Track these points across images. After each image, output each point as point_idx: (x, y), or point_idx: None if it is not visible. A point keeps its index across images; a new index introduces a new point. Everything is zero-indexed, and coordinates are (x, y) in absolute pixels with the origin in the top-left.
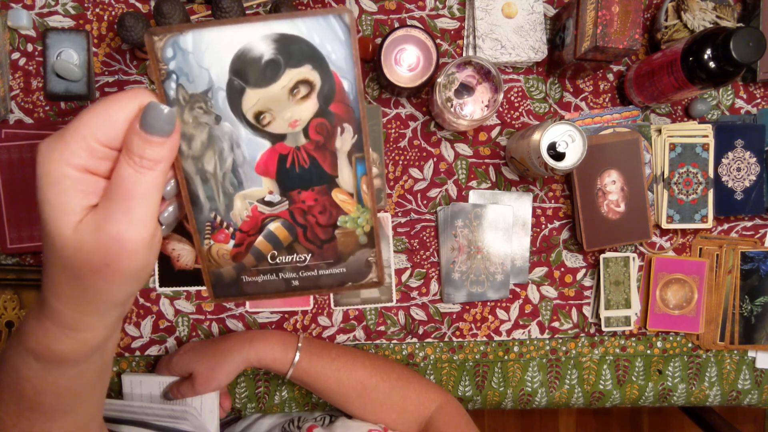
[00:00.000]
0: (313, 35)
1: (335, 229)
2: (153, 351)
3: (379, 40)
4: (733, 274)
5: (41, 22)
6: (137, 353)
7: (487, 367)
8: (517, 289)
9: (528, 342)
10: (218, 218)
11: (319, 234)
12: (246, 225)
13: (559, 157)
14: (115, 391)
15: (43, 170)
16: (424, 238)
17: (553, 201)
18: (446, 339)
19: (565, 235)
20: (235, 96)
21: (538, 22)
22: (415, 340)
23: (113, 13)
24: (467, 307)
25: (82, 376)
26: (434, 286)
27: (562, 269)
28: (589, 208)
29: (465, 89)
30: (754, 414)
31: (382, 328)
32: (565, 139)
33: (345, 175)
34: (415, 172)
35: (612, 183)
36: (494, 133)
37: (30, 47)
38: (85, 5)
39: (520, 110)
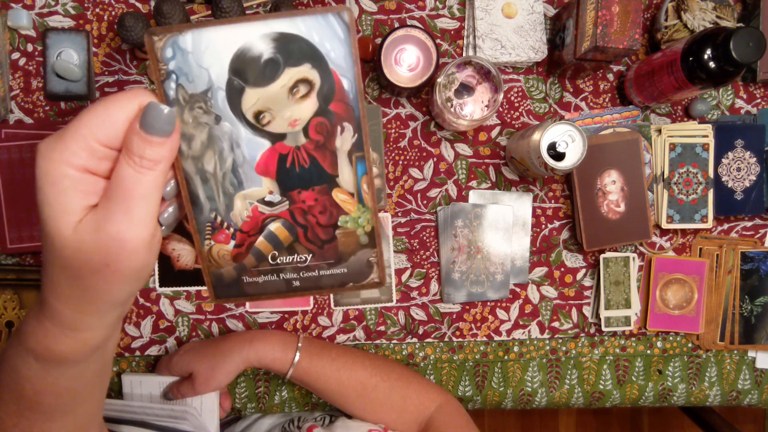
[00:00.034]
0: (312, 34)
1: (336, 229)
2: (153, 351)
3: (379, 40)
4: (733, 274)
5: (41, 22)
6: (137, 353)
7: (487, 367)
8: (517, 289)
9: (528, 342)
10: (218, 218)
11: (320, 234)
12: (246, 225)
13: (559, 157)
14: (115, 391)
15: (43, 170)
16: (424, 238)
17: (553, 201)
18: (446, 339)
19: (565, 235)
20: (234, 95)
21: (538, 22)
22: (415, 340)
23: (113, 13)
24: (467, 307)
25: (81, 376)
26: (434, 286)
27: (562, 269)
28: (589, 208)
29: (465, 89)
30: (754, 414)
31: (382, 328)
32: (565, 139)
33: (345, 174)
34: (415, 172)
35: (612, 183)
36: (494, 133)
37: (30, 47)
38: (85, 5)
39: (520, 110)
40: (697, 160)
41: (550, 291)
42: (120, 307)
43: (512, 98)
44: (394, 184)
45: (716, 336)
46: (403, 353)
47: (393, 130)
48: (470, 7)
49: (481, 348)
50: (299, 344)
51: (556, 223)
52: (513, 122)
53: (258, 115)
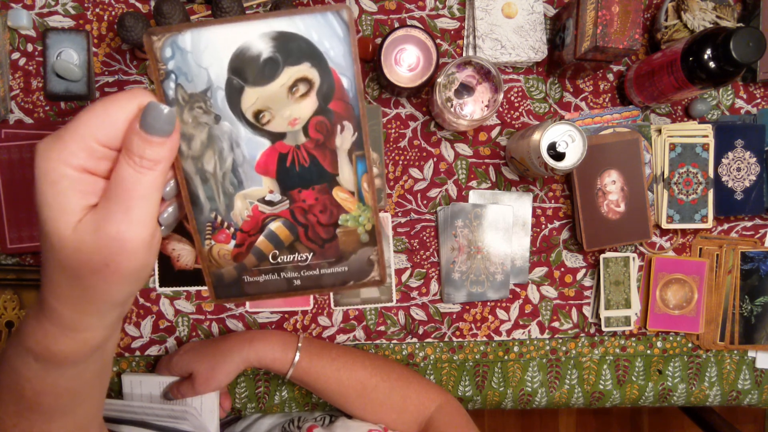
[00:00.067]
0: (312, 32)
1: (336, 227)
2: (153, 351)
3: (379, 40)
4: (733, 274)
5: (41, 22)
6: (137, 353)
7: (487, 367)
8: (517, 289)
9: (528, 342)
10: (219, 218)
11: (321, 233)
12: (247, 225)
13: (559, 157)
14: (115, 391)
15: (42, 170)
16: (424, 238)
17: (553, 201)
18: (446, 339)
19: (565, 235)
20: (234, 95)
21: (538, 22)
22: (415, 340)
23: (113, 13)
24: (467, 307)
25: (81, 376)
26: (434, 286)
27: (562, 269)
28: (589, 208)
29: (465, 89)
30: (754, 414)
31: (382, 328)
32: (565, 139)
33: (345, 173)
34: (415, 172)
35: (612, 183)
36: (494, 133)
37: (30, 47)
38: (85, 5)
39: (520, 110)
40: (697, 160)
41: (550, 291)
42: (120, 307)
43: (512, 98)
44: (394, 184)
45: (716, 336)
46: (403, 353)
47: (393, 130)
48: (470, 7)
49: (481, 348)
50: (299, 344)
51: (556, 223)
52: (513, 122)
53: (258, 114)
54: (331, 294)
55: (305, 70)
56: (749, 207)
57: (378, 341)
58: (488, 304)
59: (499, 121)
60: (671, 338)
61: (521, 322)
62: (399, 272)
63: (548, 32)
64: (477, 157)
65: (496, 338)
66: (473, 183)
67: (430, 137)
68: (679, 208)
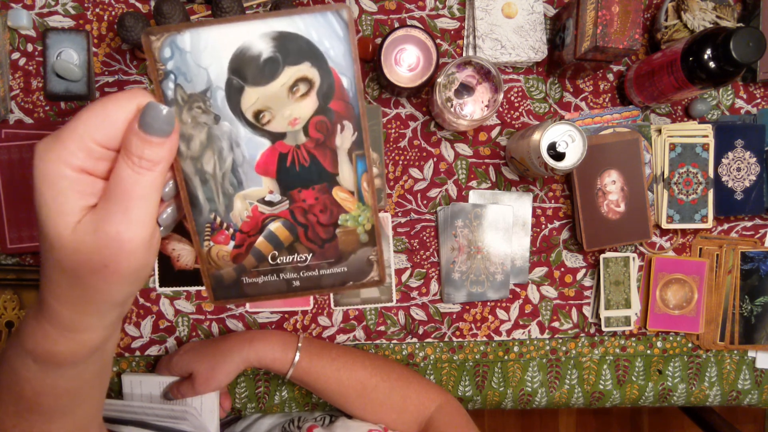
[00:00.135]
0: (312, 32)
1: (336, 227)
2: (153, 351)
3: (379, 40)
4: (733, 274)
5: (41, 22)
6: (137, 353)
7: (487, 367)
8: (517, 289)
9: (528, 342)
10: (218, 219)
11: (320, 233)
12: (246, 225)
13: (559, 157)
14: (115, 391)
15: (40, 171)
16: (424, 238)
17: (553, 201)
18: (446, 339)
19: (565, 235)
20: (234, 95)
21: (538, 22)
22: (415, 340)
23: (113, 13)
24: (467, 307)
25: (81, 377)
26: (434, 286)
27: (562, 269)
28: (589, 208)
29: (465, 89)
30: (754, 414)
31: (382, 328)
32: (565, 139)
33: (345, 172)
34: (415, 172)
35: (612, 183)
36: (494, 133)
37: (30, 47)
38: (85, 5)
39: (520, 110)
40: (697, 160)
41: (550, 291)
42: (119, 307)
43: (512, 98)
44: (394, 184)
45: (716, 336)
46: (403, 353)
47: (393, 130)
48: (470, 7)
49: (481, 348)
50: (299, 344)
51: (556, 223)
52: (513, 122)
53: (258, 114)
54: (331, 294)
55: (305, 69)
56: (749, 207)
57: (378, 341)
58: (488, 304)
59: (499, 121)
60: (671, 338)
61: (521, 322)
62: (399, 272)
63: (548, 32)
64: (477, 157)
65: (496, 338)
66: (473, 183)
67: (430, 137)
68: (679, 208)
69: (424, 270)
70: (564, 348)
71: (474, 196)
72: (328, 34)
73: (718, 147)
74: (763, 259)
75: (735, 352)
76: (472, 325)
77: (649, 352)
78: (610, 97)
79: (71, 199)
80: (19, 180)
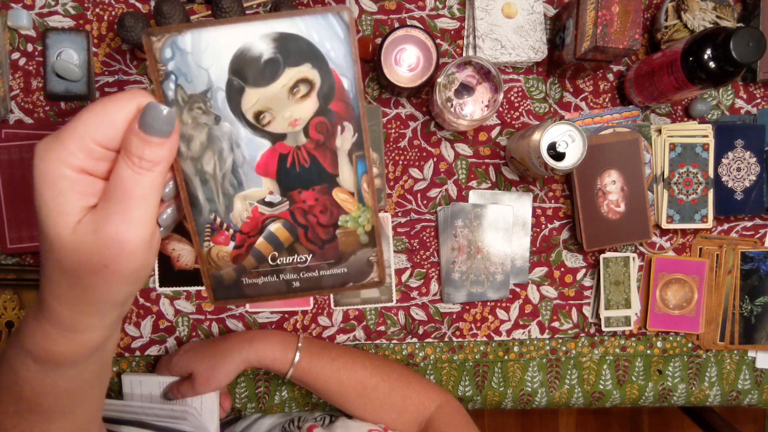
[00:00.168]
0: (312, 33)
1: (336, 228)
2: (153, 351)
3: (379, 40)
4: (733, 274)
5: (41, 22)
6: (137, 353)
7: (487, 367)
8: (517, 289)
9: (528, 342)
10: (218, 220)
11: (320, 234)
12: (246, 226)
13: (559, 157)
14: (115, 391)
15: (40, 171)
16: (424, 238)
17: (553, 201)
18: (446, 339)
19: (565, 235)
20: (234, 96)
21: (538, 22)
22: (415, 340)
23: (113, 13)
24: (467, 307)
25: (81, 377)
26: (434, 286)
27: (562, 269)
28: (589, 208)
29: (465, 89)
30: (754, 414)
31: (382, 328)
32: (565, 139)
33: (345, 173)
34: (415, 172)
35: (612, 183)
36: (494, 133)
37: (30, 47)
38: (85, 5)
39: (520, 110)
40: (697, 160)
41: (550, 291)
42: (119, 307)
43: (512, 98)
44: (394, 184)
45: (716, 336)
46: (403, 353)
47: (393, 130)
48: (470, 7)
49: (481, 348)
50: (299, 344)
51: (556, 223)
52: (513, 122)
53: (258, 115)
54: (331, 294)
55: (306, 71)
56: (749, 207)
57: (378, 341)
58: (488, 304)
59: (499, 121)
60: (671, 338)
61: (521, 322)
62: (399, 272)
63: (548, 32)
64: (477, 157)
65: (496, 338)
66: (473, 183)
67: (430, 137)
68: (679, 208)
69: (424, 270)
70: (564, 348)
71: (474, 196)
72: (328, 35)
73: (718, 147)
74: (763, 259)
75: (735, 352)
76: (472, 325)
77: (649, 352)
78: (610, 97)
79: (71, 199)
80: (19, 180)
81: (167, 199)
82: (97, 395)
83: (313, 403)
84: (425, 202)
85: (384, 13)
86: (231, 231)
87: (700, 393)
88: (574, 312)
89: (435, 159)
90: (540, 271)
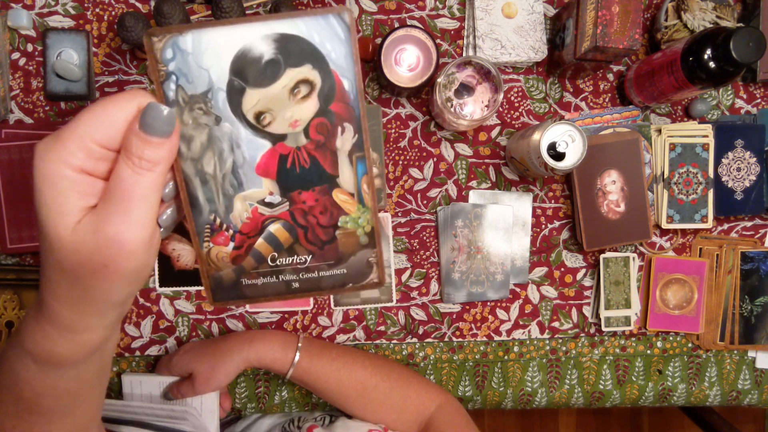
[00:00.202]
0: (313, 34)
1: (336, 229)
2: (153, 351)
3: (379, 40)
4: (733, 274)
5: (41, 22)
6: (137, 353)
7: (487, 367)
8: (517, 289)
9: (528, 342)
10: (218, 220)
11: (320, 235)
12: (246, 227)
13: (559, 157)
14: (115, 391)
15: (40, 171)
16: (424, 238)
17: (553, 201)
18: (446, 339)
19: (565, 235)
20: (235, 96)
21: (538, 22)
22: (415, 340)
23: (113, 13)
24: (467, 307)
25: (81, 377)
26: (434, 286)
27: (562, 269)
28: (589, 208)
29: (465, 89)
30: (754, 414)
31: (382, 328)
32: (565, 139)
33: (345, 174)
34: (415, 172)
35: (612, 183)
36: (494, 133)
37: (30, 47)
38: (85, 5)
39: (520, 110)
40: (697, 160)
41: (550, 291)
42: (119, 307)
43: (512, 98)
44: (394, 184)
45: (716, 336)
46: (403, 353)
47: (393, 130)
48: (470, 7)
49: (481, 348)
50: (299, 344)
51: (556, 223)
52: (513, 122)
53: (259, 115)
54: (331, 295)
55: (307, 71)
56: (749, 207)
57: (378, 341)
58: (488, 304)
59: (499, 121)
60: (671, 338)
61: (521, 322)
62: (399, 272)
63: (548, 32)
64: (477, 157)
65: (496, 338)
66: (473, 183)
67: (430, 137)
68: (679, 208)
69: (424, 270)
70: (564, 348)
71: (474, 196)
72: (329, 36)
73: (718, 147)
74: (763, 259)
75: (735, 352)
76: (472, 325)
77: (649, 352)
78: (610, 97)
79: (71, 199)
80: (19, 180)
81: (167, 199)
82: (97, 395)
83: (313, 403)
84: (425, 202)
85: (384, 13)
86: (231, 232)
87: (700, 393)
88: (574, 312)
89: (435, 159)
90: (540, 271)
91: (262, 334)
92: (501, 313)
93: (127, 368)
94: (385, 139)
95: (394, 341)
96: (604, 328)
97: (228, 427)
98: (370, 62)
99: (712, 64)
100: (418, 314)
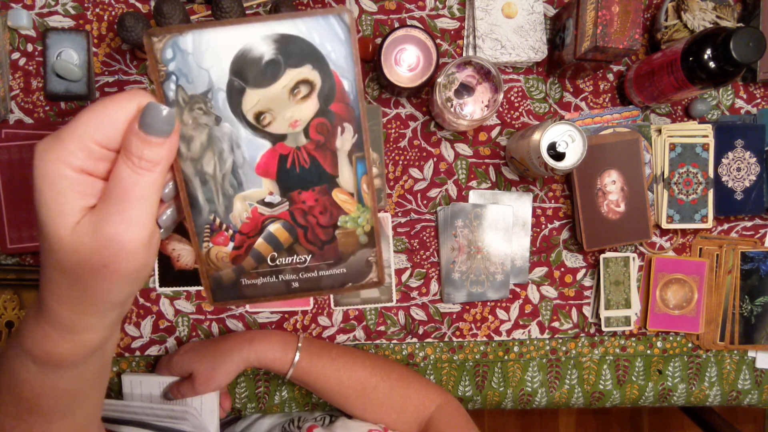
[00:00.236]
0: (313, 35)
1: (336, 229)
2: (153, 351)
3: (379, 40)
4: (733, 274)
5: (41, 22)
6: (137, 353)
7: (487, 367)
8: (517, 289)
9: (528, 342)
10: (217, 220)
11: (320, 235)
12: (246, 227)
13: (559, 157)
14: (115, 391)
15: (40, 171)
16: (424, 238)
17: (553, 201)
18: (446, 339)
19: (565, 235)
20: (235, 96)
21: (538, 22)
22: (415, 340)
23: (113, 13)
24: (467, 307)
25: (81, 377)
26: (434, 286)
27: (562, 269)
28: (589, 208)
29: (465, 89)
30: (754, 414)
31: (382, 328)
32: (565, 139)
33: (345, 174)
34: (415, 172)
35: (612, 183)
36: (494, 133)
37: (30, 47)
38: (85, 5)
39: (520, 110)
40: (697, 160)
41: (550, 291)
42: (119, 307)
43: (512, 98)
44: (394, 184)
45: (716, 336)
46: (403, 353)
47: (393, 130)
48: (470, 7)
49: (481, 348)
50: (299, 344)
51: (556, 223)
52: (513, 122)
53: (259, 116)
54: (331, 294)
55: (307, 72)
56: (749, 207)
57: (378, 341)
58: (488, 304)
59: (499, 121)
60: (671, 338)
61: (521, 322)
62: (399, 272)
63: (548, 32)
64: (477, 157)
65: (496, 338)
66: (473, 183)
67: (430, 137)
68: (679, 208)
69: (424, 270)
70: (564, 348)
71: (474, 196)
72: (329, 37)
73: (718, 147)
74: (763, 259)
75: (735, 352)
76: (472, 325)
77: (649, 352)
78: (610, 97)
79: (71, 199)
80: (19, 180)
81: (167, 199)
82: (97, 395)
83: (313, 403)
84: (425, 202)
85: (384, 13)
86: (230, 232)
87: (700, 393)
88: (574, 312)
89: (435, 159)
90: (540, 271)
91: (262, 334)
92: (501, 313)
93: (127, 368)
94: (385, 139)
95: (394, 341)
96: (604, 328)
97: (228, 427)
98: (370, 62)
99: (712, 64)
100: (418, 314)
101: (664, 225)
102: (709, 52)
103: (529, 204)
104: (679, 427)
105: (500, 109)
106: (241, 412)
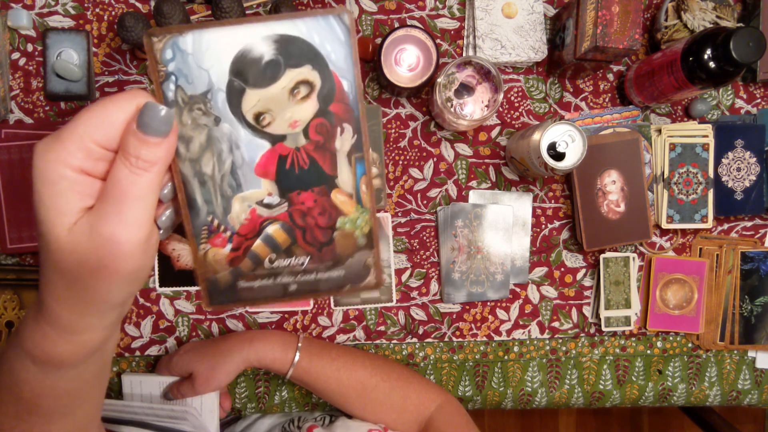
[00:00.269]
0: (313, 35)
1: (334, 230)
2: (153, 351)
3: (379, 40)
4: (733, 274)
5: (41, 22)
6: (137, 353)
7: (487, 367)
8: (517, 289)
9: (528, 342)
10: (215, 222)
11: (318, 236)
12: (244, 228)
13: (559, 157)
14: (115, 391)
15: (40, 171)
16: (424, 238)
17: (553, 201)
18: (446, 339)
19: (565, 235)
20: (234, 97)
21: (538, 22)
22: (415, 340)
23: (113, 13)
24: (467, 307)
25: (80, 378)
26: (434, 286)
27: (562, 269)
28: (589, 208)
29: (465, 89)
30: (754, 414)
31: (382, 328)
32: (565, 139)
33: (344, 175)
34: (415, 172)
35: (612, 183)
36: (494, 133)
37: (30, 47)
38: (85, 5)
39: (520, 110)
40: (697, 160)
41: (550, 291)
42: (119, 308)
43: (512, 98)
44: (394, 184)
45: (716, 336)
46: (403, 353)
47: (393, 130)
48: (470, 7)
49: (481, 348)
50: (299, 344)
51: (556, 223)
52: (513, 122)
53: (258, 116)
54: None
55: (306, 72)
56: (749, 207)
57: (378, 341)
58: (488, 304)
59: (499, 121)
60: (671, 338)
61: (521, 322)
62: (399, 272)
63: (548, 32)
64: (477, 157)
65: (496, 338)
66: (473, 183)
67: (430, 137)
68: (679, 208)
69: (424, 270)
70: (564, 348)
71: (474, 196)
72: (329, 37)
73: (718, 147)
74: (763, 259)
75: (735, 352)
76: (472, 325)
77: (649, 352)
78: (610, 97)
79: (70, 199)
80: (19, 180)
81: (166, 200)
82: (96, 396)
83: (313, 403)
84: (425, 202)
85: (384, 13)
86: (228, 233)
87: (700, 393)
88: (574, 312)
89: (435, 159)
90: (540, 271)
91: (262, 334)
92: (501, 313)
93: (127, 368)
94: (385, 139)
95: (394, 341)
96: (604, 328)
97: (228, 427)
98: (370, 62)
99: (712, 64)
100: (418, 314)
101: (664, 225)
102: (709, 52)
103: (529, 204)
104: (679, 427)
105: (500, 109)
106: (241, 412)
